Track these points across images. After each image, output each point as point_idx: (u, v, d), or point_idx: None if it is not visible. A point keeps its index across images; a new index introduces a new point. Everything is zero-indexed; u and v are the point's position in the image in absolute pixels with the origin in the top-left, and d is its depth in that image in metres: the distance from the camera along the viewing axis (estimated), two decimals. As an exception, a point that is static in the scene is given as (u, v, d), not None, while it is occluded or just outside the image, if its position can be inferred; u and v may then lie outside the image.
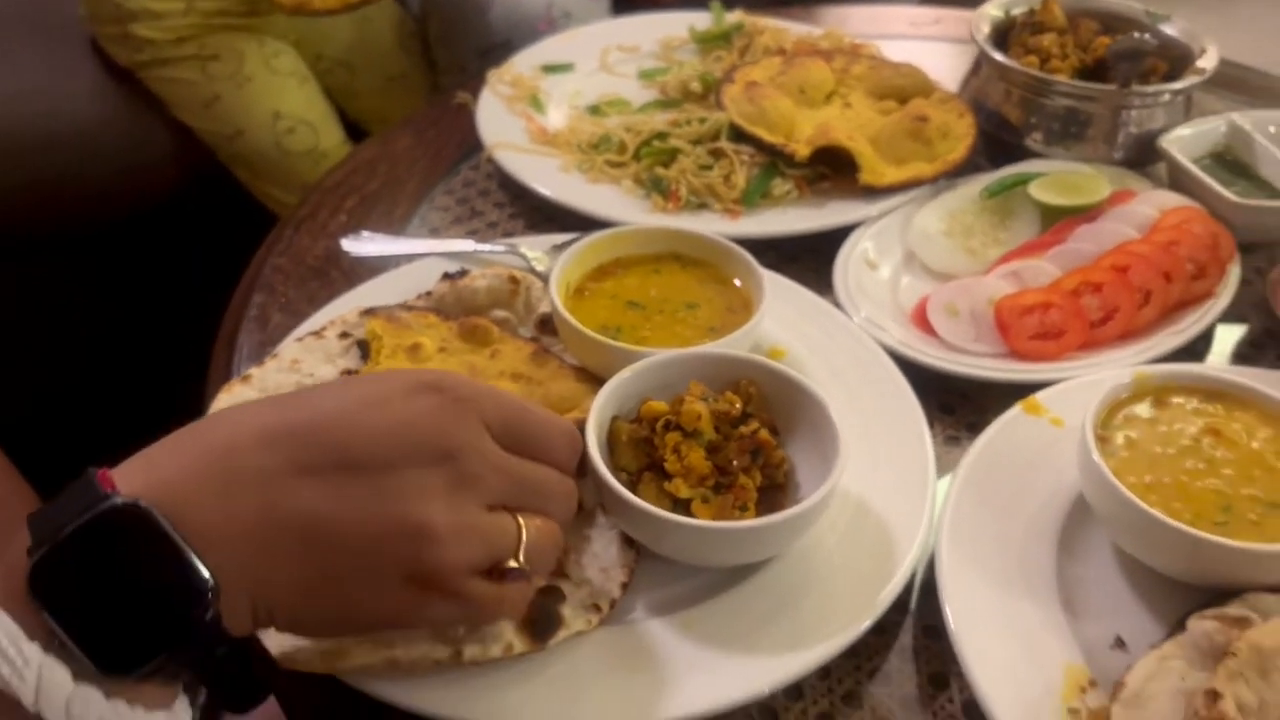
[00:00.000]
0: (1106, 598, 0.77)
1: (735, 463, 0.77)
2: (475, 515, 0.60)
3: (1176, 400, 0.82)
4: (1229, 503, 0.74)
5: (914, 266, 1.09)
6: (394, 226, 1.16)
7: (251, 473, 0.55)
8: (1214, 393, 0.82)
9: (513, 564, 0.62)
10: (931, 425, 0.89)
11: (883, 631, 0.77)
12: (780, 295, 0.98)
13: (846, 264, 1.06)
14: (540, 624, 0.69)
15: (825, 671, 0.75)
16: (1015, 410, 0.88)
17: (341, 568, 0.57)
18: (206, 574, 0.51)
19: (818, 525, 0.76)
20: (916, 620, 0.78)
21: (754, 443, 0.78)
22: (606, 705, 0.68)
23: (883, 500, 0.81)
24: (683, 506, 0.75)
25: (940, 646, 0.74)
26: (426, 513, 0.57)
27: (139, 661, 0.50)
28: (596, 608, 0.72)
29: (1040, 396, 0.89)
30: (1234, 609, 0.69)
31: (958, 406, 0.94)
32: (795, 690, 0.74)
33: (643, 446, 0.78)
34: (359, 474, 0.57)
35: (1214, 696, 0.61)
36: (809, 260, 1.09)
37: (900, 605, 0.78)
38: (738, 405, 0.79)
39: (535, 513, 0.64)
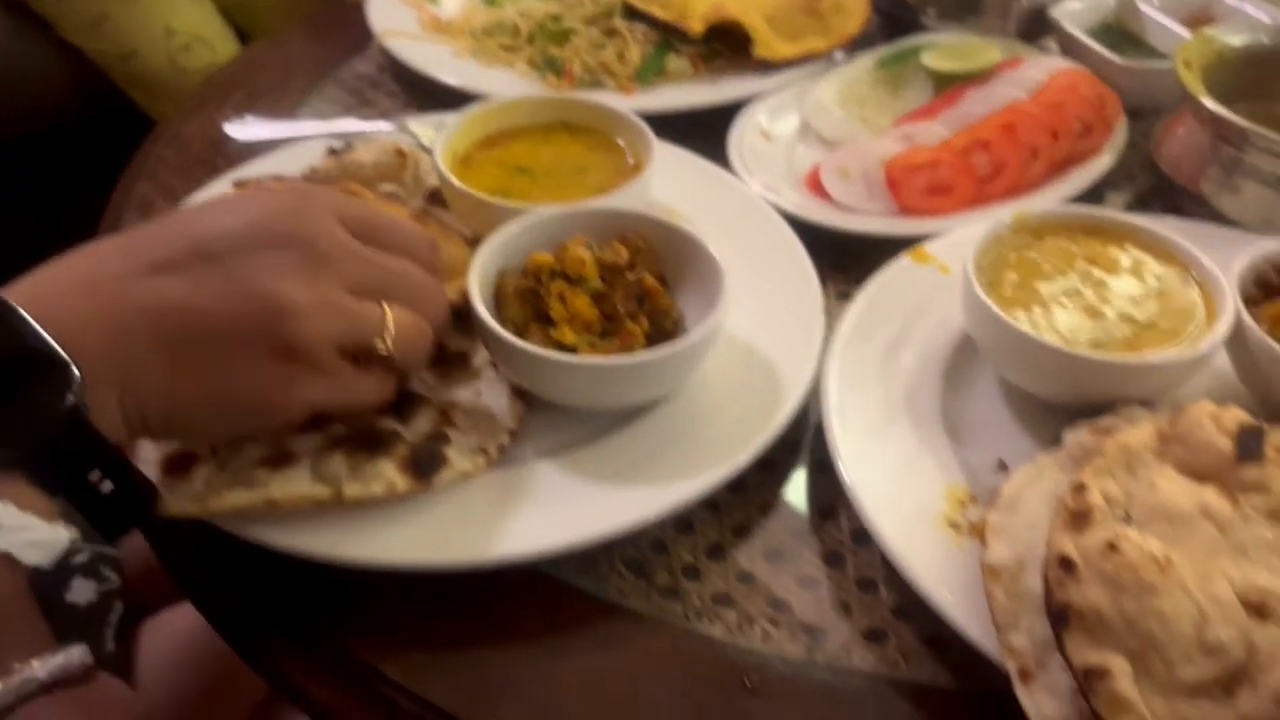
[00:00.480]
0: (990, 426, 0.78)
1: (621, 309, 0.77)
2: (335, 293, 0.61)
3: (1055, 237, 0.83)
4: (1104, 325, 0.76)
5: (809, 137, 1.09)
6: (282, 117, 1.13)
7: (111, 276, 0.57)
8: (1092, 228, 0.84)
9: (380, 348, 0.63)
10: (825, 283, 0.90)
11: (773, 469, 0.78)
12: (675, 164, 0.99)
13: (742, 135, 1.06)
14: (424, 463, 0.69)
15: (715, 505, 0.76)
16: (904, 259, 0.89)
17: (204, 351, 0.58)
18: (65, 356, 0.52)
19: (705, 366, 0.77)
20: (808, 458, 0.79)
21: (639, 289, 0.78)
22: (492, 539, 0.68)
23: (773, 346, 0.82)
24: (569, 354, 0.75)
25: (829, 480, 0.75)
26: (283, 288, 0.59)
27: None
28: (484, 451, 0.72)
29: (928, 245, 0.90)
30: (1106, 420, 0.71)
31: (851, 265, 0.94)
32: (685, 523, 0.75)
33: (529, 298, 0.78)
34: (213, 262, 0.58)
35: (1081, 489, 0.63)
36: (705, 135, 1.08)
37: (792, 445, 0.79)
38: (625, 255, 0.79)
39: (401, 304, 0.65)
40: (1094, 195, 1.03)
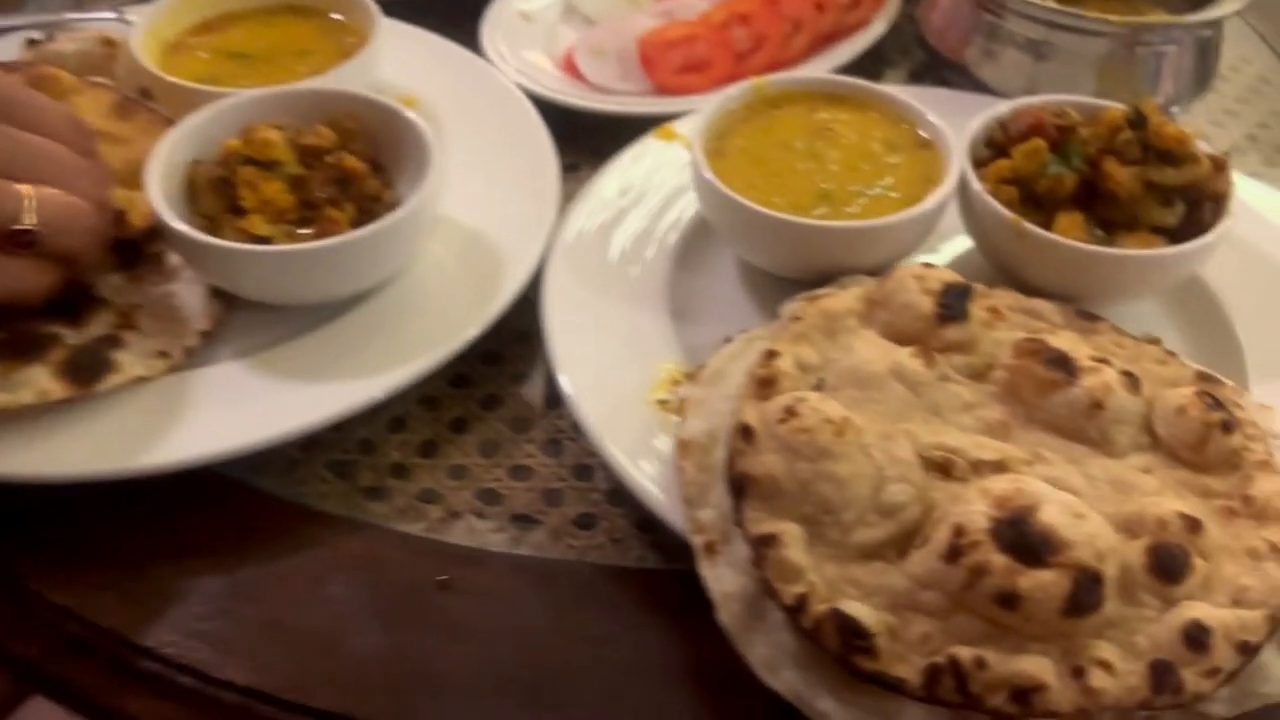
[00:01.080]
0: (720, 305, 0.76)
1: (320, 194, 0.72)
2: None
3: (794, 107, 0.80)
4: (830, 195, 0.74)
5: (573, 18, 1.04)
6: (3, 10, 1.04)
7: None
8: (833, 96, 0.81)
9: (25, 226, 0.59)
10: (579, 168, 0.86)
11: (500, 360, 0.75)
12: (417, 48, 0.93)
13: (498, 17, 1.00)
14: (85, 368, 0.63)
15: (432, 401, 0.72)
16: (649, 138, 0.85)
17: None
18: None
19: (421, 253, 0.72)
20: (540, 349, 0.76)
21: (340, 172, 0.73)
22: (164, 444, 0.63)
23: (501, 230, 0.78)
24: (258, 244, 0.69)
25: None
26: None
27: None
28: (164, 354, 0.67)
29: (675, 123, 0.87)
30: (823, 290, 0.69)
31: (606, 147, 0.90)
32: (397, 421, 0.71)
33: (221, 188, 0.72)
34: None
35: (771, 355, 0.61)
36: (467, 22, 1.02)
37: (522, 335, 0.76)
38: (328, 137, 0.74)
39: (48, 184, 0.60)
40: (866, 70, 1.00)
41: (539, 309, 0.72)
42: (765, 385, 0.59)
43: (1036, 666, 0.50)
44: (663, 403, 0.67)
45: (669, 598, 0.62)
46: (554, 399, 0.72)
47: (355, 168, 0.72)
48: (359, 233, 0.68)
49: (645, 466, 0.63)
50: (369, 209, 0.73)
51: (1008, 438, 0.60)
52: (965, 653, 0.50)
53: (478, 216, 0.79)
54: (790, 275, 0.74)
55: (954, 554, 0.52)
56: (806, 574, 0.53)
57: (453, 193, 0.77)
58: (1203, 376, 0.64)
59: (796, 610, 0.53)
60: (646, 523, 0.65)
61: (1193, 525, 0.54)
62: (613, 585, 0.62)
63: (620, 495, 0.66)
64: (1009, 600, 0.51)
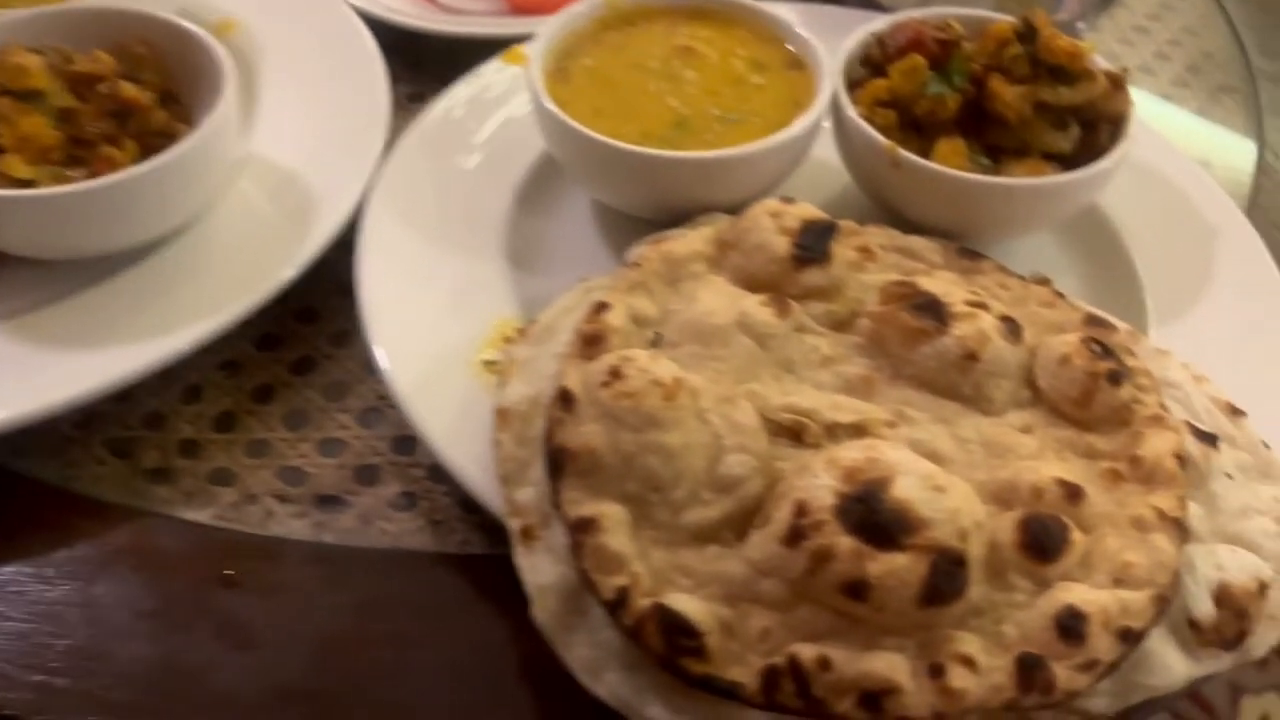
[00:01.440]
0: (569, 250, 0.67)
1: (94, 129, 0.62)
2: None
3: (652, 24, 0.71)
4: (686, 121, 0.65)
5: (426, -68, 0.93)
6: None
7: None
8: (696, 11, 0.72)
9: None
10: (426, 99, 0.76)
11: (316, 318, 0.66)
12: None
13: (339, -69, 0.89)
14: None
15: (233, 367, 0.63)
16: (494, 62, 0.76)
17: None
18: None
19: (220, 195, 0.63)
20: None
21: (118, 104, 0.62)
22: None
23: (320, 169, 0.68)
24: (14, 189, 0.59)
25: (382, 326, 0.63)
26: None
27: None
28: (-96, 320, 0.57)
29: (526, 46, 0.77)
30: (673, 232, 0.60)
31: (457, 75, 0.80)
32: (193, 390, 0.62)
33: (-25, 124, 0.61)
34: None
35: (600, 308, 0.52)
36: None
37: (343, 288, 0.66)
38: (106, 64, 0.63)
39: None
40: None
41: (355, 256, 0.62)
42: (591, 343, 0.51)
43: (888, 665, 0.43)
44: (490, 364, 0.58)
45: (494, 587, 0.54)
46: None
47: (135, 98, 0.62)
48: (132, 172, 0.58)
49: (468, 440, 0.55)
50: (155, 146, 0.63)
51: (871, 396, 0.53)
52: (807, 652, 0.43)
53: (294, 153, 0.69)
54: (645, 215, 0.65)
55: (795, 536, 0.44)
56: (629, 563, 0.46)
57: (268, 126, 0.68)
58: (1092, 320, 0.57)
59: (617, 606, 0.45)
60: (473, 502, 0.56)
61: (1072, 493, 0.47)
62: (429, 575, 0.54)
63: (444, 471, 0.58)
64: (857, 589, 0.43)
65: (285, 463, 0.59)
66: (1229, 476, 0.52)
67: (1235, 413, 0.55)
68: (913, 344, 0.53)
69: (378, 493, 0.58)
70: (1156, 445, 0.50)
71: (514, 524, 0.50)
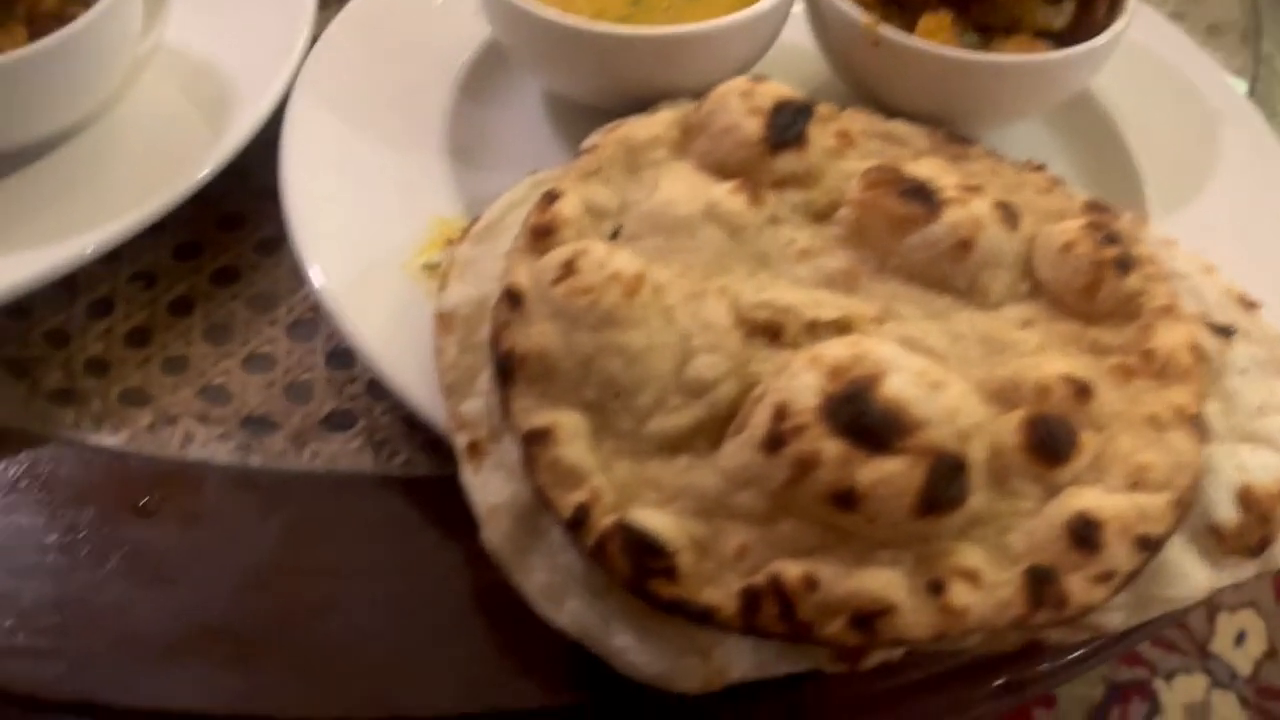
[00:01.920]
0: (517, 143, 0.61)
1: (-23, 10, 0.54)
2: None
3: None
4: (647, -2, 0.58)
5: None
6: None
7: None
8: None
9: None
10: None
11: (239, 224, 0.59)
12: None
13: None
14: None
15: (148, 278, 0.56)
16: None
17: None
18: None
19: (106, 83, 0.56)
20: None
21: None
22: None
23: (240, 55, 0.61)
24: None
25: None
26: None
27: None
28: None
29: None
30: (632, 118, 0.54)
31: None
32: (103, 304, 0.55)
33: None
34: None
35: (551, 198, 0.46)
36: None
37: (266, 192, 0.60)
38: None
39: None
40: None
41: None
42: (541, 236, 0.45)
43: (882, 583, 0.38)
44: (430, 267, 0.52)
45: (440, 511, 0.49)
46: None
47: (25, -26, 0.55)
48: (16, 54, 0.51)
49: (408, 351, 0.49)
50: (47, 31, 0.55)
51: (854, 291, 0.48)
52: (791, 570, 0.38)
53: (209, 42, 0.62)
54: (599, 103, 0.59)
55: (775, 442, 0.39)
56: (589, 477, 0.41)
57: (179, 14, 0.61)
58: (1093, 206, 0.52)
59: (576, 525, 0.40)
60: (416, 419, 0.51)
61: (1081, 391, 0.43)
62: (368, 500, 0.49)
63: (383, 387, 0.52)
64: (846, 499, 0.38)
65: (207, 381, 0.53)
66: (1244, 372, 0.47)
67: (1248, 305, 0.50)
68: (900, 233, 0.48)
69: (310, 412, 0.52)
70: (1169, 338, 0.46)
71: (460, 439, 0.45)
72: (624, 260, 0.43)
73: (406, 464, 0.50)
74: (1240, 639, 1.50)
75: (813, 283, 0.47)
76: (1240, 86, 0.73)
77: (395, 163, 0.57)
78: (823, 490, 0.39)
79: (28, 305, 0.53)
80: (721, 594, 0.39)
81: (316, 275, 0.51)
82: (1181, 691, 1.44)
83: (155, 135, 0.58)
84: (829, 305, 0.46)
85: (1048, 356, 0.45)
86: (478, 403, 0.45)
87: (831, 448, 0.39)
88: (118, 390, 0.52)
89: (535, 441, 0.41)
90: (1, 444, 0.50)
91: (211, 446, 0.50)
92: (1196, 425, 0.43)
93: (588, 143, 0.52)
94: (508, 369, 0.42)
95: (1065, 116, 0.63)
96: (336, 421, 0.52)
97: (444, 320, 0.47)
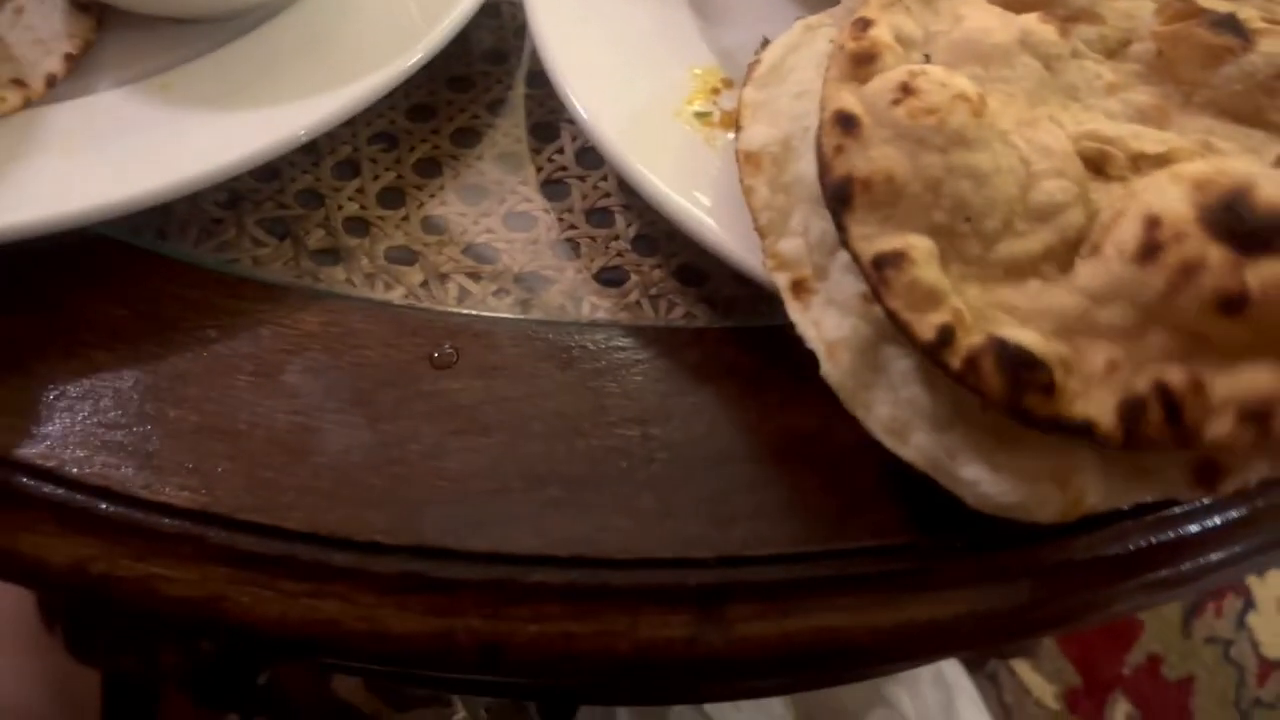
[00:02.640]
0: (755, 2, 0.59)
1: None
2: None
3: None
4: None
5: None
6: None
7: None
8: None
9: None
10: None
11: (470, 85, 0.58)
12: None
13: None
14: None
15: (390, 139, 0.55)
16: None
17: None
18: None
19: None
20: (521, 69, 0.59)
21: None
22: (24, 204, 0.45)
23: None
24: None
25: (547, 95, 0.55)
26: None
27: None
28: (19, 84, 0.49)
29: None
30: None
31: None
32: (350, 166, 0.55)
33: None
34: None
35: (865, 25, 0.45)
36: None
37: (495, 55, 0.59)
38: None
39: None
40: None
41: (510, 19, 0.54)
42: (863, 62, 0.44)
43: (1268, 380, 0.37)
44: (702, 115, 0.51)
45: (731, 360, 0.48)
46: (547, 130, 0.56)
47: None
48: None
49: (696, 195, 0.48)
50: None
51: (1166, 125, 0.46)
52: (1176, 374, 0.37)
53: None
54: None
55: (1150, 251, 0.38)
56: (948, 298, 0.39)
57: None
58: None
59: (940, 346, 0.39)
60: (690, 272, 0.50)
61: None
62: (656, 350, 0.48)
63: (652, 242, 0.51)
64: (1234, 303, 0.37)
65: (471, 240, 0.51)
66: None
67: None
68: (1212, 64, 0.46)
69: (580, 267, 0.51)
70: None
71: (782, 277, 0.44)
72: (964, 81, 0.42)
73: (686, 317, 0.49)
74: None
75: (1124, 117, 0.46)
76: None
77: (640, 15, 0.56)
78: (1208, 295, 0.38)
79: (275, 167, 0.52)
80: (1096, 407, 0.38)
81: (589, 121, 0.49)
82: (1275, 586, 1.45)
83: (379, 6, 0.56)
84: (1150, 139, 0.45)
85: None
86: (795, 242, 0.44)
87: (1215, 252, 0.38)
88: (384, 249, 0.51)
89: (888, 264, 0.40)
90: (280, 302, 0.48)
91: (491, 302, 0.49)
92: None
93: (854, -13, 0.50)
94: (845, 196, 0.41)
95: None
96: (608, 277, 0.51)
97: (751, 159, 0.46)
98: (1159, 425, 0.38)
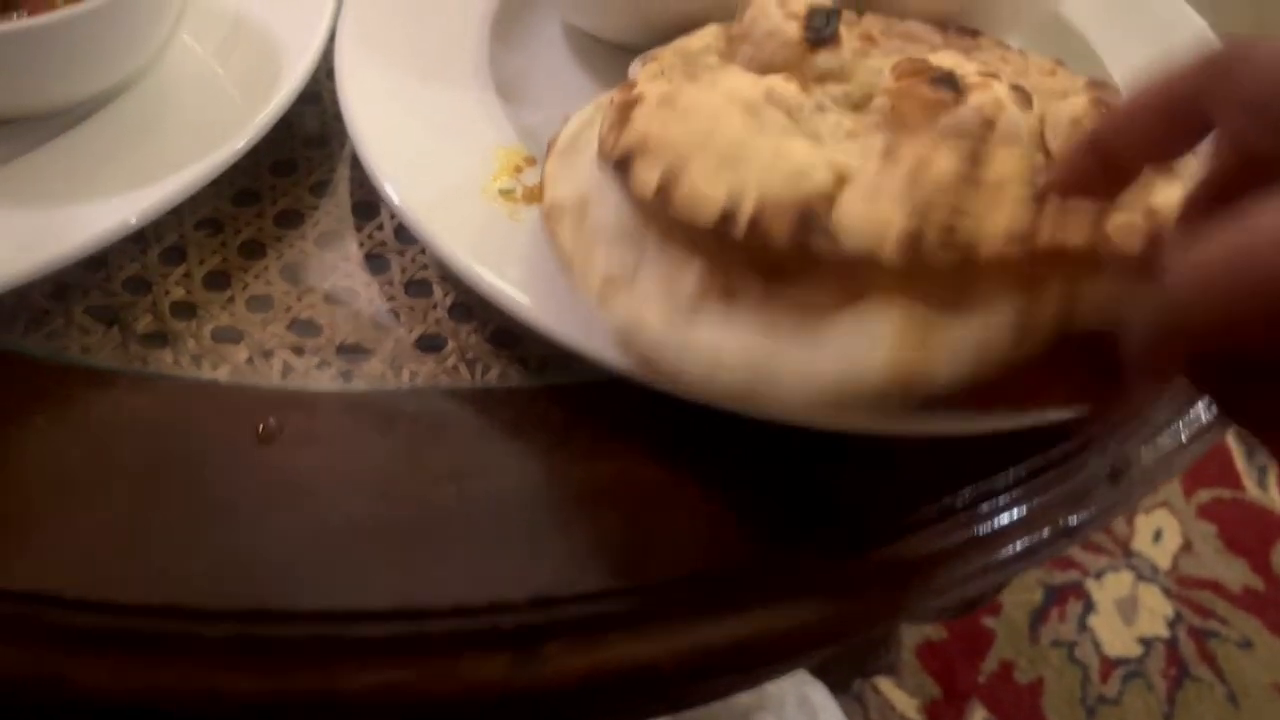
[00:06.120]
0: (554, 83, 0.65)
1: (24, -30, 0.55)
2: None
3: None
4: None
5: None
6: None
7: None
8: None
9: None
10: None
11: (292, 169, 0.61)
12: None
13: None
14: None
15: (213, 225, 0.58)
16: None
17: None
18: None
19: (155, 40, 0.58)
20: (339, 151, 0.63)
21: (47, -60, 0.56)
22: None
23: (273, 11, 0.63)
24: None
25: (366, 175, 0.59)
26: None
27: None
28: None
29: None
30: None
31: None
32: (175, 252, 0.57)
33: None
34: None
35: (631, 86, 0.51)
36: None
37: (317, 139, 0.62)
38: (23, -101, 0.57)
39: None
40: None
41: (330, 104, 0.59)
42: (629, 107, 0.49)
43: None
44: (507, 193, 0.56)
45: (541, 415, 0.53)
46: (367, 209, 0.61)
47: (65, -66, 0.56)
48: (72, 11, 0.52)
49: (503, 268, 0.52)
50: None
51: (894, 163, 0.53)
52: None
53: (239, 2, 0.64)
54: (628, 40, 0.63)
55: None
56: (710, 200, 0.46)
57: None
58: (1095, 84, 0.58)
59: (725, 220, 0.45)
60: (504, 335, 0.55)
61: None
62: (473, 410, 0.53)
63: (468, 309, 0.56)
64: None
65: (295, 315, 0.55)
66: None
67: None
68: (932, 115, 0.53)
69: (399, 337, 0.55)
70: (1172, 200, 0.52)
71: (592, 282, 0.48)
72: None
73: (501, 377, 0.54)
74: (1158, 536, 1.62)
75: (861, 160, 0.53)
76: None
77: (448, 100, 0.60)
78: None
79: (102, 256, 0.55)
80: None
81: (400, 203, 0.54)
82: (1111, 588, 1.56)
83: (198, 93, 0.60)
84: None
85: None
86: (599, 267, 0.49)
87: None
88: (209, 329, 0.54)
89: (668, 186, 0.46)
90: (109, 386, 0.51)
91: (314, 375, 0.53)
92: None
93: (636, 68, 0.56)
94: (625, 161, 0.47)
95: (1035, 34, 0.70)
96: (427, 344, 0.55)
97: (554, 210, 0.51)
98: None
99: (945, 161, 0.46)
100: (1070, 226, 0.45)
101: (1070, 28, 0.72)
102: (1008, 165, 0.47)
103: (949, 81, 0.55)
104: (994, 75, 0.56)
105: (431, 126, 0.60)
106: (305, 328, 0.56)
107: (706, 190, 0.46)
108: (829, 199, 0.46)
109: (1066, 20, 0.71)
